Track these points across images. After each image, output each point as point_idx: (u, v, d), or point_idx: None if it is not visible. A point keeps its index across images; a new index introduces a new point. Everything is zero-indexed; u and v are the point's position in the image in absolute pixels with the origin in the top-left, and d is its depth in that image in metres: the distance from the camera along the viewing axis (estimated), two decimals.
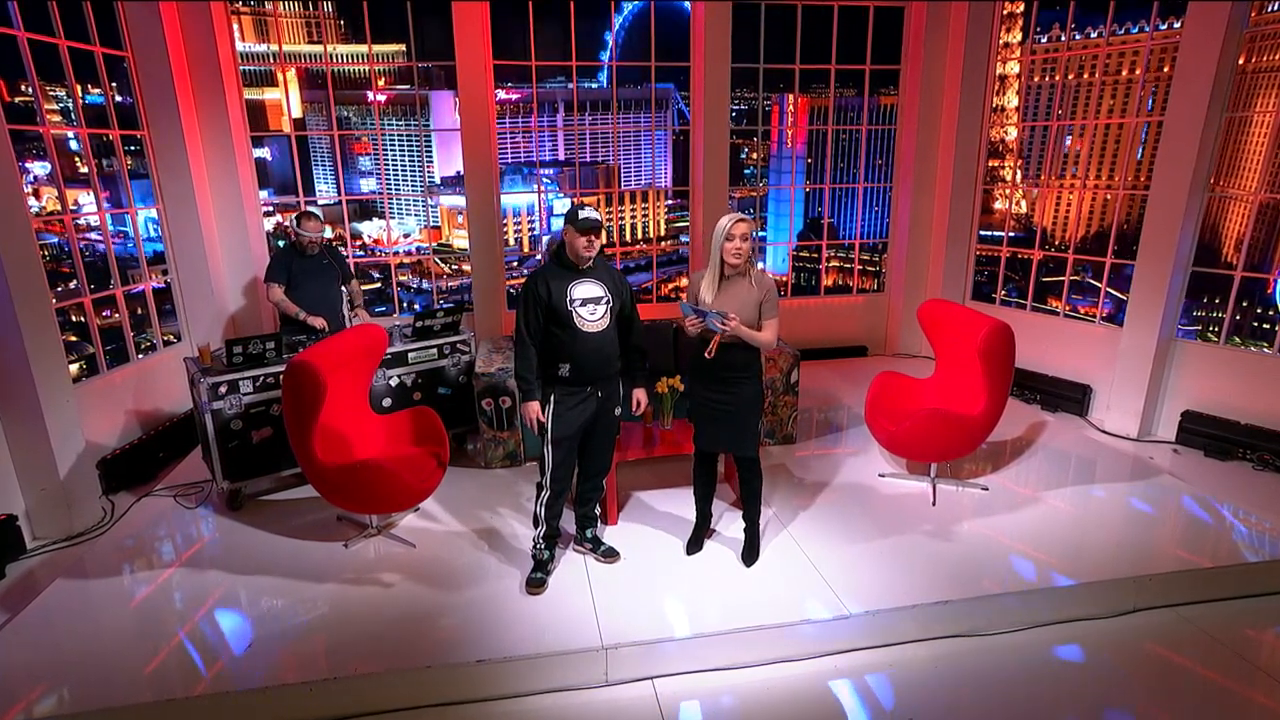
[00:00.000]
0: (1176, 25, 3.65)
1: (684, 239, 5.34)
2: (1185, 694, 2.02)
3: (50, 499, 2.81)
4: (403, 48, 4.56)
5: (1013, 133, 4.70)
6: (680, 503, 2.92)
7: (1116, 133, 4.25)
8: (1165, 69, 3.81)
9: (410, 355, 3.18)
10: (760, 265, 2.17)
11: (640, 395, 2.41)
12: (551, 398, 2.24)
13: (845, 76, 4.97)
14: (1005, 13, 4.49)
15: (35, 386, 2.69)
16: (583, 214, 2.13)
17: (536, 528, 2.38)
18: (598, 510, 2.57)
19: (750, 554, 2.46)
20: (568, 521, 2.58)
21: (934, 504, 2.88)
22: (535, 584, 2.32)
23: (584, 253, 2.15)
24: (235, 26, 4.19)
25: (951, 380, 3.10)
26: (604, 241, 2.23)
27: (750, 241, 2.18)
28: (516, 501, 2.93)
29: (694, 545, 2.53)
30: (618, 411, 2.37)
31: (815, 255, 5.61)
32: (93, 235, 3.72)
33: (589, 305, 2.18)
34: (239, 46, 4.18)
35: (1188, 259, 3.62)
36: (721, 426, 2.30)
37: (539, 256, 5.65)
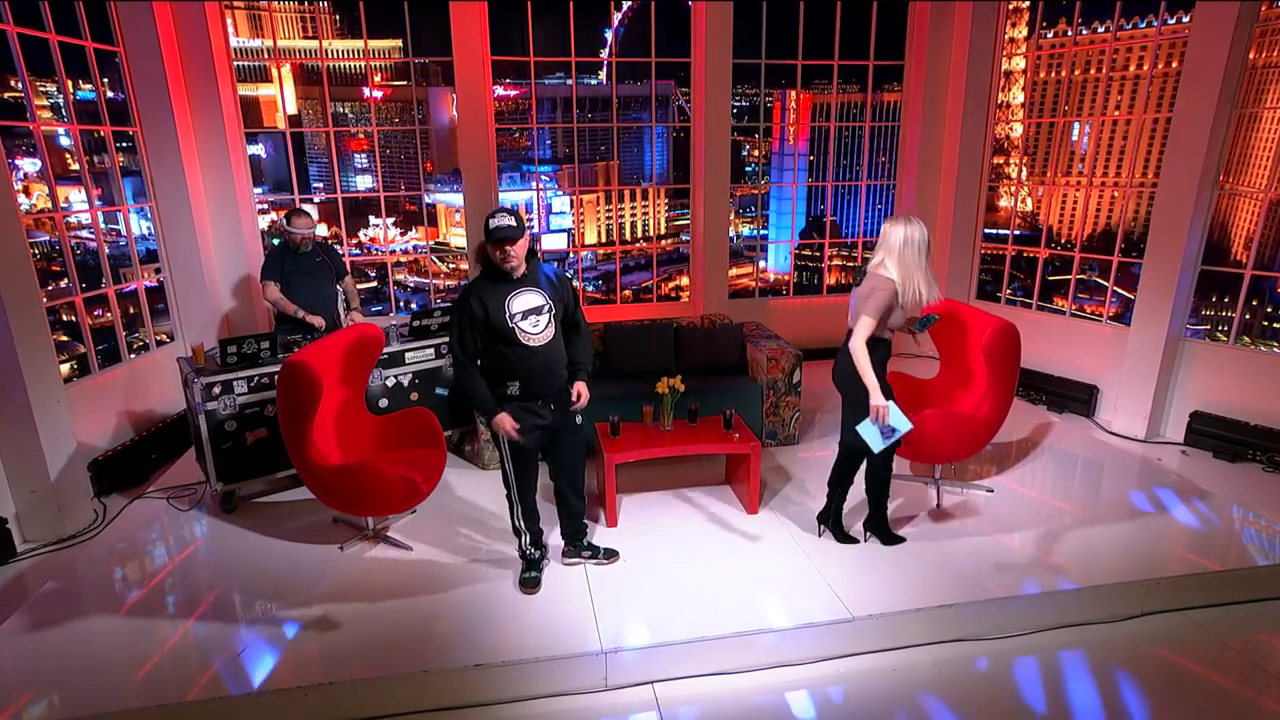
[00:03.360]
0: (1185, 20, 3.60)
1: (684, 237, 5.31)
2: (1194, 699, 1.99)
3: (41, 501, 2.78)
4: (399, 43, 4.52)
5: (1018, 129, 4.65)
6: (680, 504, 2.88)
7: (1124, 129, 4.20)
8: (1174, 64, 3.75)
9: (407, 355, 3.14)
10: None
11: (581, 388, 2.22)
12: (504, 415, 2.14)
13: (848, 72, 4.93)
14: (1011, 7, 4.44)
15: (25, 387, 2.66)
16: (493, 222, 1.98)
17: (519, 537, 2.35)
18: (586, 523, 2.51)
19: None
20: (549, 518, 2.54)
21: (938, 506, 2.84)
22: (530, 583, 2.30)
23: (502, 265, 2.02)
24: (229, 21, 4.14)
25: (956, 380, 3.06)
26: (528, 245, 2.07)
27: None
28: None
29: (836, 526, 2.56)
30: (579, 420, 2.30)
31: (818, 254, 5.57)
32: (84, 233, 3.68)
33: (530, 317, 2.06)
34: (233, 42, 4.14)
35: (1196, 257, 3.58)
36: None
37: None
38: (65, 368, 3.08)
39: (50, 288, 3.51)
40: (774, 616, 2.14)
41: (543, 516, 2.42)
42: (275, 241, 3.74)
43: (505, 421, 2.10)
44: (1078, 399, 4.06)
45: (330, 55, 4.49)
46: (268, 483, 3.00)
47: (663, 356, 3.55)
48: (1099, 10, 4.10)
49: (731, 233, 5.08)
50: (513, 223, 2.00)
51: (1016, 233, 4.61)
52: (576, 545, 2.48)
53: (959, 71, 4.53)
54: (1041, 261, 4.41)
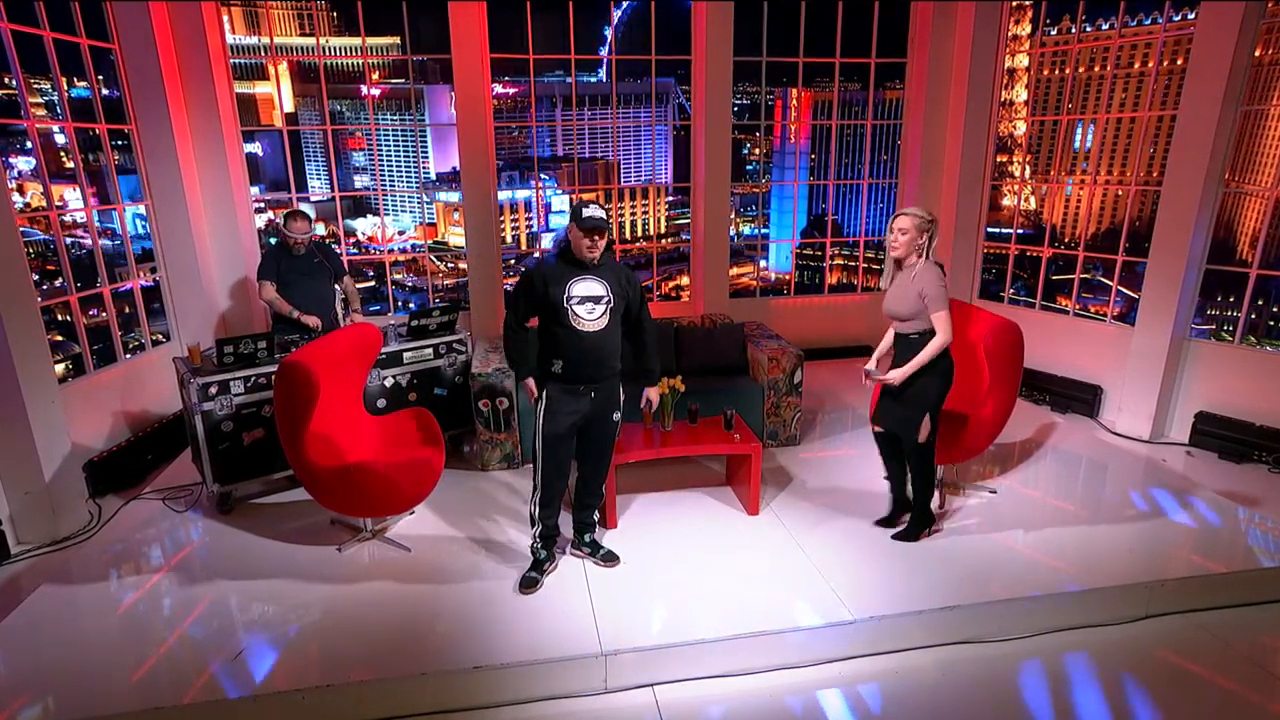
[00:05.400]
0: (1191, 16, 3.56)
1: (685, 236, 5.29)
2: (1199, 703, 1.97)
3: (35, 502, 2.76)
4: (397, 41, 4.49)
5: (1021, 127, 4.61)
6: (681, 506, 2.86)
7: (1128, 127, 4.17)
8: (1179, 62, 3.73)
9: (405, 355, 3.12)
10: (924, 258, 2.37)
11: (652, 394, 2.43)
12: (544, 394, 2.22)
13: (850, 70, 4.90)
14: (1014, 4, 4.41)
15: (20, 387, 2.63)
16: (586, 212, 2.10)
17: (532, 527, 2.36)
18: (596, 515, 2.52)
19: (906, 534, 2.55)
20: (566, 524, 2.54)
21: (940, 507, 2.82)
22: (528, 584, 2.29)
23: (587, 253, 2.13)
24: (225, 19, 4.11)
25: (958, 381, 3.03)
26: (611, 240, 2.21)
27: (913, 234, 2.27)
28: (513, 505, 2.88)
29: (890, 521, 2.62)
30: (616, 416, 2.32)
31: (819, 253, 5.53)
32: (79, 232, 3.66)
33: (587, 304, 2.14)
34: (229, 39, 4.11)
35: (1201, 256, 3.55)
36: (888, 406, 2.46)
37: (537, 254, 5.59)
38: (60, 368, 3.06)
39: (45, 287, 3.49)
40: (775, 619, 2.13)
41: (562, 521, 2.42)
42: (272, 241, 3.72)
43: (529, 384, 2.25)
44: (1081, 399, 4.04)
45: (327, 53, 4.46)
46: (265, 484, 2.98)
47: (663, 356, 3.51)
48: (1103, 7, 4.07)
49: (732, 232, 5.05)
50: (604, 215, 2.13)
51: (1019, 231, 4.59)
52: (579, 537, 2.49)
53: (962, 69, 4.50)
54: (1045, 260, 4.38)
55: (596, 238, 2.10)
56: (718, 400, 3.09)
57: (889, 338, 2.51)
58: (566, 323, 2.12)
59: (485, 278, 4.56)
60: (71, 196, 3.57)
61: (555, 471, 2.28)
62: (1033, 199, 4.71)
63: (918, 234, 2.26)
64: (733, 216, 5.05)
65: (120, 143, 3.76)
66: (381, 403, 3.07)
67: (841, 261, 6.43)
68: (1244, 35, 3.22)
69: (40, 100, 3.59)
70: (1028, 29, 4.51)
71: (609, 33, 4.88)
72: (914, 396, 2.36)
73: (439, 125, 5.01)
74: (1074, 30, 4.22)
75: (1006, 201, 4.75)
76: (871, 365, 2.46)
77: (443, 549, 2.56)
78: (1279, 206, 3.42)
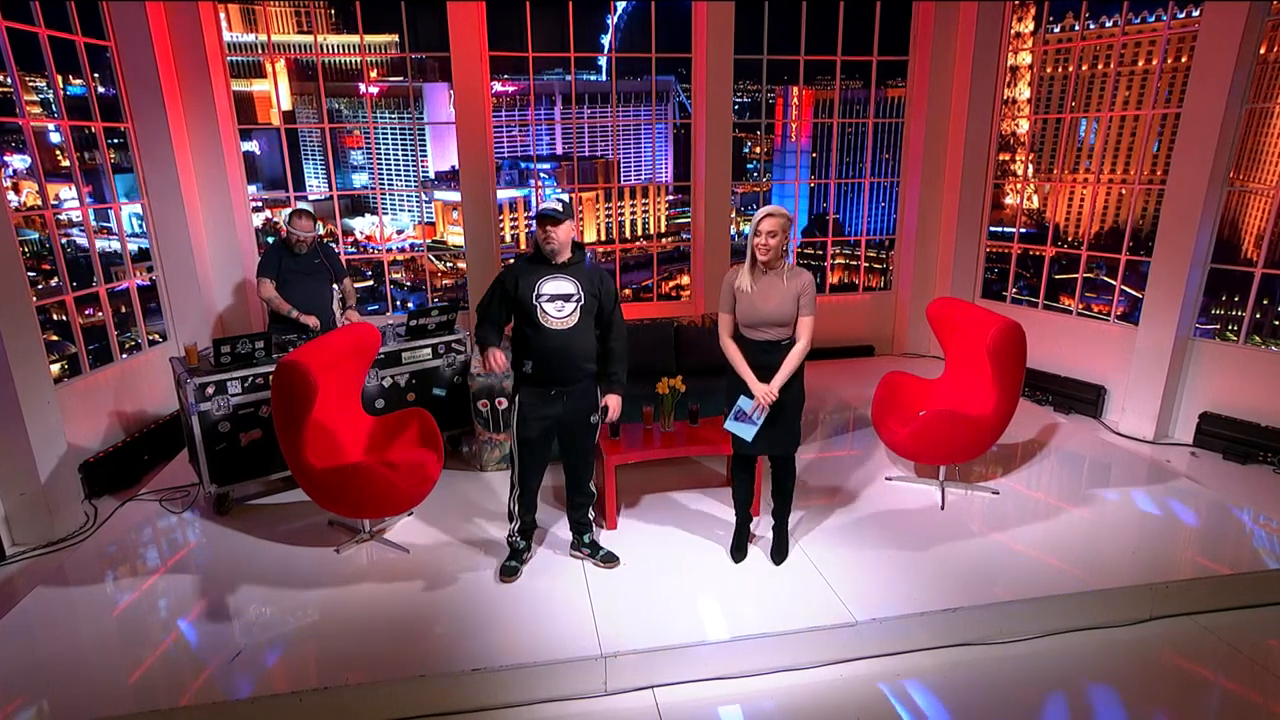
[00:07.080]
0: (1195, 14, 3.54)
1: (685, 235, 5.26)
2: (1204, 705, 1.96)
3: (30, 504, 2.75)
4: (396, 38, 4.47)
5: (1024, 125, 4.59)
6: (681, 506, 2.85)
7: (1132, 125, 4.15)
8: (1183, 59, 3.71)
9: (404, 355, 3.10)
10: (786, 259, 2.26)
11: (612, 401, 2.26)
12: (517, 397, 2.23)
13: (851, 68, 4.87)
14: (1017, 2, 4.39)
15: (15, 387, 2.62)
16: (541, 205, 2.13)
17: (511, 522, 2.39)
18: (591, 515, 2.51)
19: (779, 552, 2.44)
20: (559, 524, 2.52)
21: (942, 508, 2.81)
22: (508, 573, 2.33)
23: (543, 245, 2.13)
24: (222, 16, 4.08)
25: (961, 380, 3.02)
26: (571, 235, 2.17)
27: (781, 237, 2.15)
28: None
29: (739, 552, 2.46)
30: (593, 419, 2.32)
31: (820, 252, 5.52)
32: (75, 231, 3.64)
33: (556, 302, 2.14)
34: (226, 36, 4.09)
35: (1206, 255, 3.54)
36: (762, 428, 2.26)
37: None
38: (56, 368, 3.04)
39: (40, 286, 3.47)
40: (777, 620, 2.11)
41: (544, 518, 2.42)
42: (270, 239, 3.69)
43: (496, 355, 2.15)
44: (1085, 399, 4.03)
45: (325, 50, 4.43)
46: (262, 484, 2.96)
47: (663, 356, 3.51)
48: (1107, 4, 4.05)
49: (733, 231, 5.03)
50: (558, 207, 2.11)
51: (1022, 230, 4.57)
52: (577, 538, 2.49)
53: (964, 67, 4.48)
54: (1048, 260, 4.37)
55: (549, 227, 2.09)
56: (718, 400, 3.06)
57: (736, 350, 2.24)
58: (536, 321, 2.13)
59: (484, 277, 4.54)
60: (67, 195, 3.54)
61: (531, 472, 2.32)
62: (1035, 198, 4.69)
63: (784, 235, 2.16)
64: (733, 215, 5.03)
65: (116, 141, 3.74)
66: (380, 403, 3.05)
67: (843, 261, 6.41)
68: (1249, 33, 3.20)
69: (36, 98, 3.56)
70: (1030, 26, 4.48)
71: (609, 30, 4.85)
72: (794, 403, 2.27)
73: (438, 123, 4.98)
74: (1077, 28, 4.20)
75: (1009, 200, 4.73)
76: (771, 392, 2.17)
77: (441, 550, 2.55)
78: None
